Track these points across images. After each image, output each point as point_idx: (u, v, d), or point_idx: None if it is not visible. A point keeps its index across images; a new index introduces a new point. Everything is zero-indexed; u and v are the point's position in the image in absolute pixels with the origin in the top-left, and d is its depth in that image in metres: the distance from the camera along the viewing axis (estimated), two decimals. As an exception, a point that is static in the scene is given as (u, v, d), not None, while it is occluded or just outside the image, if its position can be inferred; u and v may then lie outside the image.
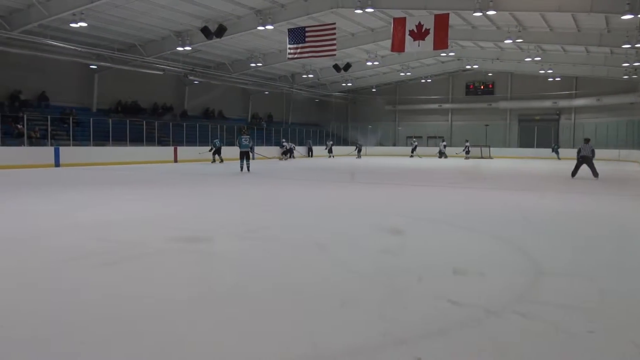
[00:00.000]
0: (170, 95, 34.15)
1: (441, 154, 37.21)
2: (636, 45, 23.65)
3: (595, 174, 16.71)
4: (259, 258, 5.57)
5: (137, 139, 27.15)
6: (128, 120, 27.09)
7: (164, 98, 33.60)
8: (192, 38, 26.06)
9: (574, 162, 17.52)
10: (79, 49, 25.10)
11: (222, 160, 26.56)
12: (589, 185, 15.44)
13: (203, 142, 29.43)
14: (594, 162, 17.09)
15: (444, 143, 38.67)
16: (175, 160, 27.41)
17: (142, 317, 3.67)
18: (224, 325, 3.54)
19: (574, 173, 17.20)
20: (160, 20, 24.24)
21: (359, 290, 4.38)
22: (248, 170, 19.55)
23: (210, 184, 15.49)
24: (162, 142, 28.82)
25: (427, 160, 32.39)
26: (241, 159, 19.69)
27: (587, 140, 17.57)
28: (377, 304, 4.01)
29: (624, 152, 33.21)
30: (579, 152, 17.22)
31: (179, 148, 28.05)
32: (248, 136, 20.30)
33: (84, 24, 21.02)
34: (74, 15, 20.44)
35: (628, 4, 17.60)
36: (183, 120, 32.63)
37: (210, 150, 26.85)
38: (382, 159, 34.43)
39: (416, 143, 39.41)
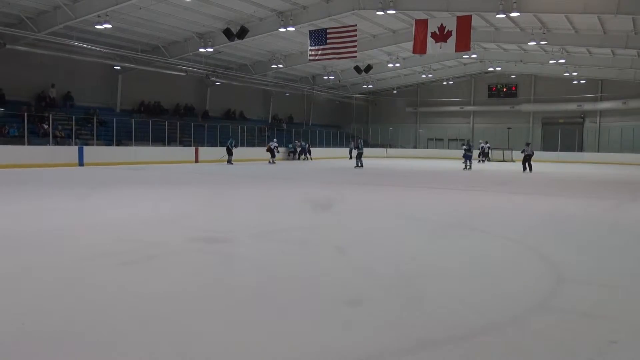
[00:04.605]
0: (192, 96, 34.49)
1: (484, 156, 34.64)
2: (664, 48, 23.19)
3: (531, 169, 22.48)
4: (277, 260, 5.58)
5: (159, 139, 27.46)
6: (150, 121, 27.43)
7: (186, 99, 33.95)
8: (214, 39, 26.28)
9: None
10: (104, 50, 25.50)
11: (231, 162, 26.04)
12: (612, 191, 15.15)
13: (224, 143, 29.58)
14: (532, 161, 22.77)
15: (488, 144, 35.57)
16: (196, 161, 27.63)
17: (161, 316, 3.71)
18: (241, 325, 3.55)
19: (523, 169, 22.52)
20: (183, 22, 24.49)
21: (379, 294, 4.36)
22: (362, 166, 24.35)
23: (231, 184, 15.58)
24: (183, 143, 29.10)
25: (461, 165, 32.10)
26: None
27: (528, 144, 24.32)
28: (398, 308, 3.99)
29: (651, 157, 32.51)
30: (523, 151, 23.11)
31: (200, 149, 28.28)
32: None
33: (108, 26, 21.34)
34: (99, 17, 20.77)
35: (656, 5, 17.28)
36: (204, 121, 32.92)
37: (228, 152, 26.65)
38: (410, 161, 34.25)
39: (487, 144, 35.70)
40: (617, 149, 36.12)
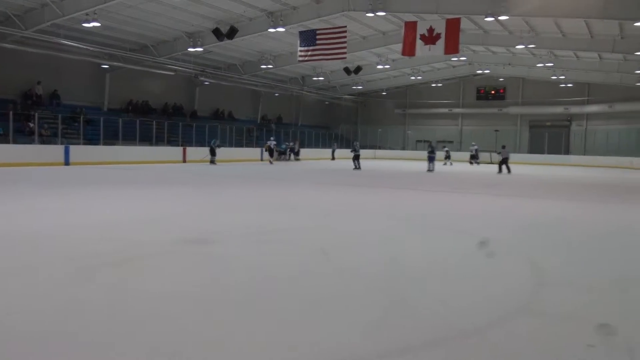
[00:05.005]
0: (180, 95, 34.31)
1: (472, 158, 34.88)
2: (649, 53, 23.45)
3: (509, 171, 23.54)
4: (264, 261, 5.57)
5: (146, 139, 27.31)
6: (138, 120, 27.25)
7: (175, 98, 33.77)
8: (204, 39, 26.18)
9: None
10: (91, 48, 25.30)
11: (214, 162, 26.06)
12: (600, 193, 15.31)
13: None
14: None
15: (476, 147, 35.36)
16: (184, 161, 27.51)
17: (147, 317, 3.69)
18: (228, 325, 3.55)
19: (499, 171, 23.75)
20: (173, 21, 24.37)
21: (362, 297, 4.37)
22: (360, 168, 24.36)
23: (218, 184, 15.54)
24: (171, 143, 28.96)
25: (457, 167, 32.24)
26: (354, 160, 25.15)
27: (504, 147, 24.89)
28: (381, 311, 4.00)
29: (636, 160, 32.87)
30: (499, 154, 24.40)
31: (188, 149, 28.16)
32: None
33: (97, 24, 21.16)
34: (87, 15, 20.59)
35: (642, 10, 17.46)
36: (193, 121, 32.78)
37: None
38: (397, 163, 34.32)
39: (447, 149, 35.95)
40: (603, 152, 36.50)
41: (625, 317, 4.04)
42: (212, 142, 26.80)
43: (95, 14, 20.59)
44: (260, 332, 3.48)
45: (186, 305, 4.02)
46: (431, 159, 24.84)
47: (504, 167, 23.89)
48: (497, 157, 25.49)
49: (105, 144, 25.23)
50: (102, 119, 25.67)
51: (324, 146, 40.43)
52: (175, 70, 30.23)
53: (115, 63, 28.01)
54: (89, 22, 20.91)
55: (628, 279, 5.26)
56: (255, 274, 5.03)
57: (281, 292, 4.45)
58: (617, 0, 18.13)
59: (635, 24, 18.52)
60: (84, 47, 24.88)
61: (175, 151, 27.69)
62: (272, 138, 32.02)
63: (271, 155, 29.60)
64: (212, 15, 23.78)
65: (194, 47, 26.60)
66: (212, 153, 26.23)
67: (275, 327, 3.58)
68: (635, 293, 4.78)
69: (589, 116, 40.13)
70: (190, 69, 30.97)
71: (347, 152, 39.18)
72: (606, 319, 3.93)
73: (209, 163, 26.03)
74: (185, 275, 4.93)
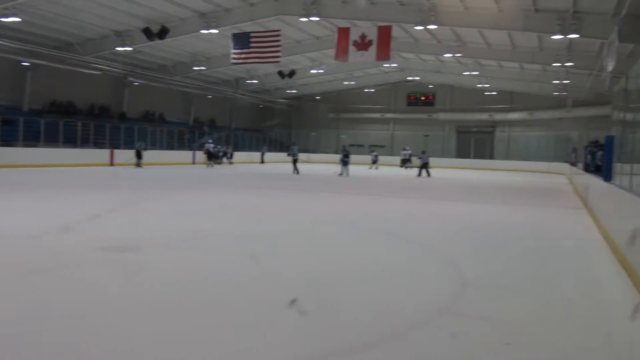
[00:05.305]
0: (108, 96, 32.98)
1: (404, 163, 35.09)
2: (565, 64, 24.94)
3: (429, 174, 24.97)
4: (187, 269, 5.46)
5: (71, 141, 26.08)
6: (62, 121, 25.99)
7: (102, 99, 32.44)
8: (133, 38, 25.36)
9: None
10: (11, 44, 23.89)
11: (140, 165, 25.65)
12: (519, 196, 16.10)
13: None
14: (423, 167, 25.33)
15: (410, 151, 35.19)
16: (112, 164, 26.51)
17: (66, 328, 3.51)
18: (148, 336, 3.44)
19: (419, 175, 25.05)
20: (99, 18, 23.46)
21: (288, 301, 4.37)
22: (298, 172, 24.13)
23: (144, 189, 15.09)
24: (98, 145, 27.80)
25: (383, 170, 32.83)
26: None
27: (423, 152, 26.50)
28: (307, 317, 4.01)
29: (553, 165, 34.92)
30: (420, 159, 26.01)
31: (115, 151, 27.14)
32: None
33: (16, 19, 20.05)
34: (6, 9, 19.44)
35: (558, 24, 18.56)
36: (121, 122, 31.61)
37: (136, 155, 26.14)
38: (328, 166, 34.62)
39: (376, 153, 36.62)
40: (524, 157, 38.55)
41: (540, 316, 4.27)
42: (138, 144, 26.26)
43: (15, 8, 19.51)
44: (178, 341, 3.40)
45: (100, 317, 3.87)
46: (345, 163, 24.40)
47: (423, 171, 25.27)
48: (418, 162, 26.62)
49: (25, 145, 23.87)
50: (21, 119, 24.28)
51: (258, 149, 40.17)
52: (102, 70, 29.12)
53: (37, 61, 26.54)
54: (7, 17, 19.78)
55: (545, 278, 5.56)
56: (178, 282, 4.92)
57: (204, 300, 4.38)
58: (537, 15, 19.22)
59: (552, 37, 19.66)
60: (3, 43, 23.46)
61: (102, 154, 26.62)
62: (210, 141, 31.66)
63: (209, 158, 29.51)
64: (142, 14, 23.10)
65: (123, 47, 25.73)
66: (138, 156, 25.67)
67: (195, 336, 3.52)
68: (551, 292, 5.05)
69: (511, 123, 42.23)
70: (118, 68, 29.92)
71: (278, 156, 39.42)
72: (523, 319, 4.15)
73: (134, 166, 25.36)
74: (103, 286, 4.74)
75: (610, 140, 10.44)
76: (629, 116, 7.85)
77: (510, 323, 4.01)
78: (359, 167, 33.14)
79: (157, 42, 24.26)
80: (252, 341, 3.46)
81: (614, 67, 15.77)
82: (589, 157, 15.35)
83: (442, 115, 43.90)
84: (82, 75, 28.88)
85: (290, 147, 28.55)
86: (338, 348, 3.41)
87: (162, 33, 23.23)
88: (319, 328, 3.76)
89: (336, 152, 46.08)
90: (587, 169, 15.03)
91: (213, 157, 30.58)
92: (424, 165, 25.51)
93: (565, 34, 18.65)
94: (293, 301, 3.28)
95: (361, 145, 45.02)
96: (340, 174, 24.18)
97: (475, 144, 41.08)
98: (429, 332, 3.76)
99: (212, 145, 30.96)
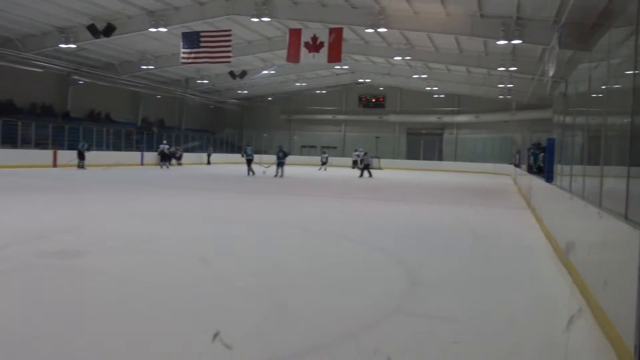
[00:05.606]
0: (51, 94, 31.71)
1: (355, 164, 34.43)
2: (509, 69, 25.83)
3: (370, 175, 25.72)
4: (136, 274, 5.31)
5: (10, 141, 24.93)
6: (1, 120, 24.81)
7: (44, 97, 31.16)
8: (78, 35, 24.49)
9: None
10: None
11: (83, 166, 24.98)
12: (466, 197, 16.53)
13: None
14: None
15: (364, 152, 32.74)
16: (55, 165, 25.52)
17: (6, 337, 3.35)
18: (93, 346, 3.32)
19: (361, 175, 25.76)
20: (41, 14, 22.53)
21: (241, 305, 4.32)
22: (254, 174, 23.66)
23: (90, 191, 14.60)
24: (39, 145, 26.68)
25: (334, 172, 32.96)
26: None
27: (365, 154, 27.56)
28: (259, 320, 3.98)
29: (498, 166, 36.09)
30: (362, 161, 26.90)
31: (59, 152, 26.14)
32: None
33: (-52, 12, 19.02)
34: (-63, 2, 18.44)
35: (503, 30, 19.19)
36: (65, 122, 30.46)
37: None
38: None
39: (327, 155, 36.60)
40: (471, 158, 39.70)
41: (488, 315, 4.39)
42: (81, 145, 25.52)
43: (-53, 0, 18.49)
44: (124, 346, 3.30)
45: (41, 326, 3.71)
46: (281, 164, 23.93)
47: (365, 172, 26.01)
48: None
49: (-41, 145, 22.68)
50: (-45, 119, 23.05)
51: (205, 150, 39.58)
52: (44, 67, 27.98)
53: (-29, 57, 25.30)
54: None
55: (491, 277, 5.72)
56: (125, 286, 4.78)
57: (153, 303, 4.27)
58: (482, 21, 19.79)
59: (497, 43, 20.30)
60: None
61: (45, 155, 25.59)
62: (164, 142, 31.28)
63: (164, 159, 29.26)
64: (86, 10, 22.35)
65: (67, 44, 24.83)
66: (81, 157, 24.86)
67: (143, 340, 3.42)
68: (497, 291, 5.20)
69: (459, 125, 43.39)
70: (62, 66, 28.87)
71: (228, 157, 39.03)
72: (471, 317, 4.25)
73: (76, 167, 24.57)
74: (46, 292, 4.55)
75: (551, 142, 10.86)
76: (568, 119, 8.18)
77: (459, 322, 4.10)
78: (311, 168, 33.24)
79: (103, 39, 23.54)
80: (203, 344, 3.40)
81: (554, 72, 16.43)
82: (531, 158, 15.91)
83: (392, 117, 44.60)
84: (23, 73, 27.63)
85: (244, 147, 28.34)
86: (289, 350, 3.39)
87: (109, 30, 22.54)
88: (273, 331, 3.73)
89: (290, 154, 46.16)
90: (531, 170, 15.57)
91: (167, 158, 30.44)
92: (366, 167, 26.26)
93: (509, 39, 19.28)
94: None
95: (313, 147, 45.21)
96: (276, 175, 23.57)
97: (424, 145, 41.95)
98: (380, 331, 3.79)
99: (167, 146, 30.74)
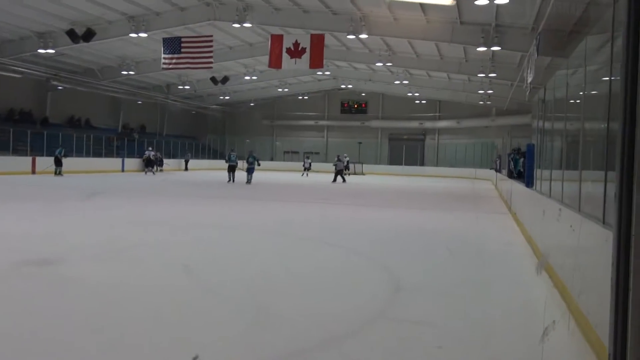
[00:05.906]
0: (29, 100, 31.25)
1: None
2: (489, 75, 26.16)
3: (344, 180, 26.40)
4: (118, 282, 5.24)
5: (-13, 148, 24.54)
6: (-23, 127, 24.41)
7: (22, 103, 30.68)
8: (57, 40, 24.18)
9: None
10: None
11: (60, 173, 24.70)
12: (448, 202, 16.64)
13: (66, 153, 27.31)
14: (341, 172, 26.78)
15: (347, 158, 34.67)
16: (33, 172, 25.13)
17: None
18: (77, 355, 3.27)
19: (334, 180, 26.12)
20: (19, 18, 22.20)
21: (224, 312, 4.29)
22: (233, 181, 22.89)
23: (69, 199, 14.40)
24: (18, 152, 26.27)
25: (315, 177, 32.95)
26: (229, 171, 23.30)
27: (339, 159, 27.48)
28: (243, 325, 3.95)
29: (479, 171, 36.46)
30: (336, 166, 26.90)
31: (37, 159, 25.76)
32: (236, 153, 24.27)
33: None
34: None
35: (482, 37, 19.45)
36: (44, 128, 30.05)
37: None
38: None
39: (310, 160, 36.24)
40: (453, 164, 40.07)
41: (470, 319, 4.42)
42: (58, 151, 25.19)
43: None
44: (106, 356, 3.25)
45: (19, 338, 3.64)
46: (250, 170, 23.21)
47: (339, 177, 26.56)
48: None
49: None
50: None
51: (191, 157, 39.39)
52: (22, 73, 27.56)
53: (-54, 62, 24.84)
54: None
55: (473, 282, 5.76)
56: (106, 295, 4.71)
57: (134, 312, 4.22)
58: (462, 28, 20.03)
59: (477, 49, 20.56)
60: None
61: (23, 161, 25.19)
62: (150, 148, 31.32)
63: (149, 165, 29.27)
64: (65, 15, 22.08)
65: (45, 49, 24.48)
66: (58, 163, 24.51)
67: (123, 350, 3.38)
68: (480, 295, 5.24)
69: (440, 131, 43.76)
70: (40, 72, 28.45)
71: (209, 163, 38.85)
72: (453, 322, 4.27)
73: (53, 174, 24.21)
74: (24, 302, 4.47)
75: (531, 148, 10.99)
76: (547, 125, 8.30)
77: (442, 326, 4.12)
78: (294, 174, 33.22)
79: (83, 44, 23.26)
80: (187, 352, 3.36)
81: (533, 78, 16.67)
82: (512, 164, 16.10)
83: (374, 123, 44.82)
84: (0, 79, 27.20)
85: (228, 153, 28.17)
86: (272, 355, 3.37)
87: (88, 35, 22.29)
88: (256, 338, 3.71)
89: (271, 159, 46.12)
90: (511, 175, 15.75)
91: (151, 165, 30.40)
92: (339, 172, 26.73)
93: (488, 46, 19.53)
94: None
95: (296, 152, 45.20)
96: (248, 182, 22.72)
97: (406, 151, 42.21)
98: (363, 337, 3.80)
99: (152, 152, 30.86)
